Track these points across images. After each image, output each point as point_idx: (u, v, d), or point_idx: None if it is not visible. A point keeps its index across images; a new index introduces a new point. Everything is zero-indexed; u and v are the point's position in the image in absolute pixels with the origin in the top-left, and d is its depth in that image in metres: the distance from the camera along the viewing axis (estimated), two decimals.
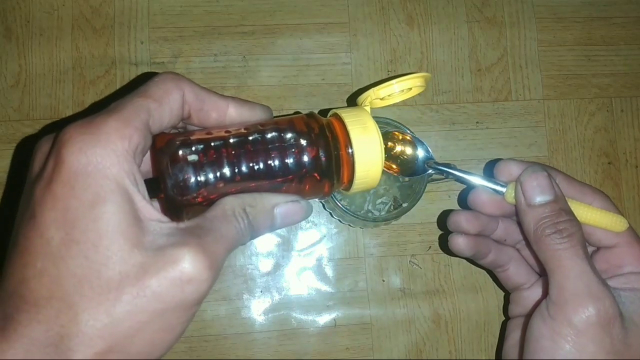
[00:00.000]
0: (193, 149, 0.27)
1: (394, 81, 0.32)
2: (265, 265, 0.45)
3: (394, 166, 0.39)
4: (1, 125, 0.45)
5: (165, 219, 0.25)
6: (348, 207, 0.40)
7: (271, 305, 0.45)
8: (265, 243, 0.45)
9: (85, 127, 0.24)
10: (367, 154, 0.29)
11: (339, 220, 0.45)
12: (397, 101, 0.34)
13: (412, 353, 0.45)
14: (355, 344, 0.45)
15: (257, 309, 0.45)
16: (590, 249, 0.34)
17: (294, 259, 0.45)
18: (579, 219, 0.32)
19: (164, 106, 0.26)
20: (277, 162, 0.28)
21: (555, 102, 0.48)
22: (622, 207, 0.48)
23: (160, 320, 0.23)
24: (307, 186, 0.29)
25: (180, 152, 0.27)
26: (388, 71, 0.48)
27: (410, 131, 0.40)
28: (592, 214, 0.33)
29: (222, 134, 0.28)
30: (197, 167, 0.26)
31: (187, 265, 0.23)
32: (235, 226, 0.26)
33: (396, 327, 0.45)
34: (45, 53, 0.46)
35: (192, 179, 0.26)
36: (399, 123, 0.40)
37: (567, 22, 0.49)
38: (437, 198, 0.47)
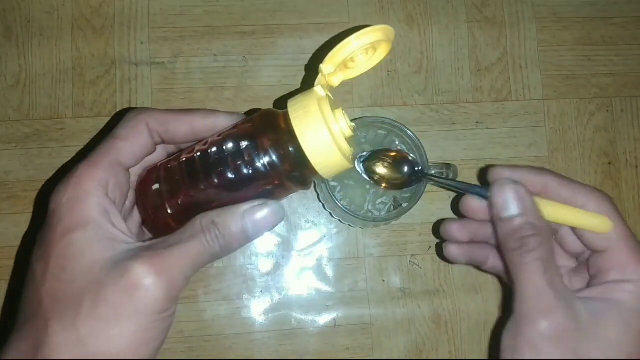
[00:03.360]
0: (155, 177, 0.30)
1: (349, 38, 0.28)
2: (265, 265, 0.45)
3: (383, 184, 0.39)
4: (1, 125, 0.45)
5: (131, 240, 0.28)
6: (348, 208, 0.40)
7: (271, 305, 0.45)
8: (265, 243, 0.45)
9: (66, 177, 0.29)
10: (313, 140, 0.28)
11: (339, 221, 0.45)
12: (363, 71, 0.31)
13: (412, 353, 0.45)
14: (355, 344, 0.45)
15: (257, 309, 0.45)
16: (587, 253, 0.34)
17: (294, 259, 0.45)
18: (559, 221, 0.32)
19: (131, 141, 0.30)
20: (231, 172, 0.28)
21: (555, 102, 0.48)
22: (622, 207, 0.48)
23: (119, 328, 0.26)
24: (276, 187, 0.29)
25: (145, 183, 0.31)
26: (388, 71, 0.48)
27: (411, 131, 0.40)
28: (572, 216, 0.32)
29: (181, 155, 0.31)
30: (158, 193, 0.30)
31: (134, 274, 0.26)
32: (202, 239, 0.28)
33: (396, 327, 0.45)
34: (45, 53, 0.46)
35: (155, 204, 0.30)
36: (399, 123, 0.40)
37: (567, 22, 0.49)
38: (437, 198, 0.47)
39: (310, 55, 0.47)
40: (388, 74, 0.48)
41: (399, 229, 0.46)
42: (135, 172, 0.32)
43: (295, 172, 0.29)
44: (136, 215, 0.33)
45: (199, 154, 0.29)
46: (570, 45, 0.49)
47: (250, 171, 0.28)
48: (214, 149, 0.29)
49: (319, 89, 0.29)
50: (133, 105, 0.46)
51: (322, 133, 0.28)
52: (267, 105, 0.46)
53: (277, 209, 0.29)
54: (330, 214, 0.45)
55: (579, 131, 0.48)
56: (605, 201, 0.33)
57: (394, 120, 0.40)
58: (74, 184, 0.28)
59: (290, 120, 0.28)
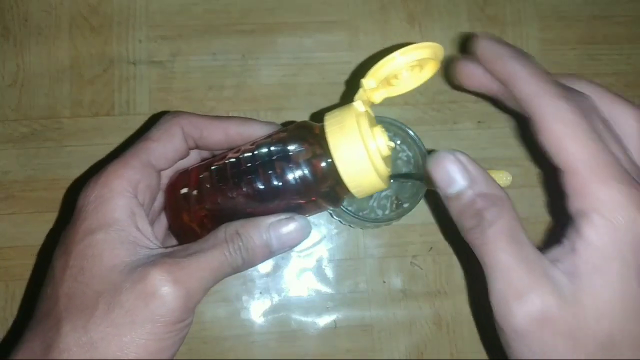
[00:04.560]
0: (184, 181, 0.30)
1: (394, 54, 0.26)
2: (264, 266, 0.45)
3: None
4: None
5: (153, 245, 0.28)
6: (348, 208, 0.39)
7: (271, 306, 0.44)
8: None
9: (96, 175, 0.28)
10: (347, 156, 0.26)
11: (339, 221, 0.44)
12: (407, 89, 0.29)
13: (413, 355, 0.45)
14: (356, 346, 0.44)
15: (257, 310, 0.44)
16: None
17: (294, 260, 0.45)
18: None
19: (164, 143, 0.30)
20: (261, 182, 0.28)
21: None
22: None
23: (132, 334, 0.25)
24: (306, 202, 0.29)
25: (174, 186, 0.31)
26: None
27: (413, 131, 0.40)
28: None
29: (212, 161, 0.30)
30: (185, 197, 0.30)
31: (151, 281, 0.25)
32: (224, 250, 0.27)
33: (397, 328, 0.45)
34: (43, 52, 0.46)
35: (182, 208, 0.30)
36: (400, 122, 0.40)
37: (569, 21, 0.49)
38: (439, 198, 0.46)
39: (310, 54, 0.47)
40: None
41: (400, 230, 0.46)
42: (167, 175, 0.32)
43: (326, 189, 0.28)
44: (164, 219, 0.33)
45: (230, 160, 0.29)
46: (572, 44, 0.49)
47: (280, 183, 0.28)
48: (246, 157, 0.29)
49: (358, 104, 0.28)
50: (131, 105, 0.45)
51: (358, 150, 0.26)
52: (267, 104, 0.46)
53: (304, 224, 0.28)
54: (331, 214, 0.44)
55: None
56: (569, 112, 0.25)
57: (395, 120, 0.40)
58: (103, 182, 0.28)
59: (325, 134, 0.27)
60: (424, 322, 0.45)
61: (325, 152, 0.27)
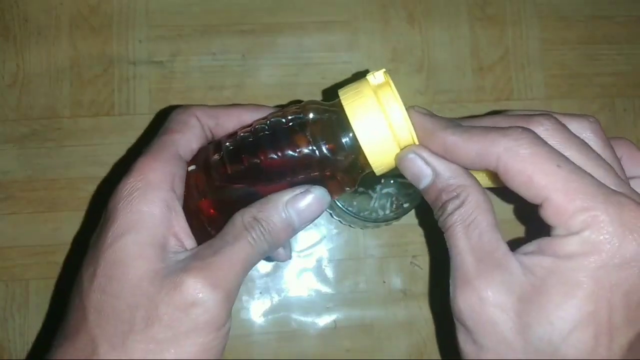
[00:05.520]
0: (194, 159, 0.29)
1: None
2: (264, 266, 0.45)
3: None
4: None
5: (180, 247, 0.26)
6: (349, 208, 0.39)
7: (271, 306, 0.44)
8: None
9: (126, 173, 0.27)
10: (368, 127, 0.26)
11: (339, 221, 0.44)
12: None
13: (413, 355, 0.44)
14: (356, 346, 0.44)
15: (257, 310, 0.44)
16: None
17: (294, 260, 0.45)
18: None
19: (186, 134, 0.29)
20: (274, 153, 0.27)
21: (558, 102, 0.48)
22: None
23: (177, 349, 0.24)
24: (322, 177, 0.27)
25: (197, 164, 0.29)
26: (389, 70, 0.47)
27: None
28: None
29: (220, 140, 0.29)
30: (196, 177, 0.28)
31: (188, 289, 0.24)
32: (247, 239, 0.26)
33: (397, 328, 0.45)
34: (42, 52, 0.46)
35: (192, 187, 0.28)
36: None
37: (570, 21, 0.49)
38: None
39: (310, 54, 0.47)
40: (389, 73, 0.47)
41: (400, 230, 0.46)
42: None
43: (344, 161, 0.27)
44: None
45: (242, 134, 0.28)
46: (572, 44, 0.49)
47: (295, 153, 0.26)
48: (257, 128, 0.28)
49: (371, 77, 0.27)
50: (131, 105, 0.45)
51: (377, 119, 0.26)
52: (267, 104, 0.46)
53: (321, 194, 0.27)
54: (331, 214, 0.44)
55: None
56: (521, 146, 0.23)
57: None
58: (136, 176, 0.26)
59: (342, 105, 0.26)
60: (424, 322, 0.45)
61: (344, 122, 0.26)
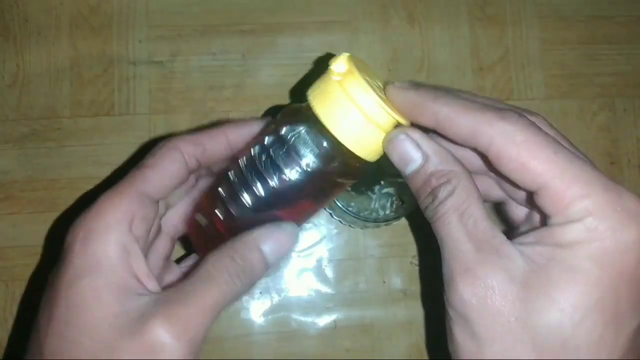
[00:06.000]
0: (197, 208, 0.30)
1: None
2: None
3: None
4: None
5: (144, 290, 0.25)
6: (349, 208, 0.39)
7: (271, 306, 0.44)
8: None
9: (86, 209, 0.25)
10: (342, 121, 0.25)
11: (339, 221, 0.44)
12: None
13: (413, 355, 0.44)
14: (356, 346, 0.44)
15: (257, 310, 0.44)
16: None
17: (294, 260, 0.45)
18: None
19: (160, 169, 0.27)
20: (267, 182, 0.26)
21: (558, 102, 0.48)
22: None
23: None
24: (322, 184, 0.27)
25: (192, 220, 0.30)
26: (389, 69, 0.47)
27: None
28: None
29: (215, 180, 0.30)
30: (206, 226, 0.29)
31: (150, 337, 0.23)
32: (219, 282, 0.25)
33: (397, 328, 0.45)
34: (42, 52, 0.45)
35: (206, 236, 0.29)
36: None
37: (570, 21, 0.49)
38: None
39: (310, 54, 0.47)
40: (389, 72, 0.47)
41: (400, 230, 0.46)
42: (181, 208, 0.30)
43: (337, 164, 0.26)
44: (160, 247, 0.30)
45: (231, 173, 0.28)
46: (572, 44, 0.49)
47: (288, 175, 0.26)
48: (246, 163, 0.27)
49: (334, 66, 0.26)
50: (131, 105, 0.45)
51: (348, 110, 0.25)
52: (267, 104, 0.46)
53: (291, 229, 0.27)
54: (331, 214, 0.44)
55: (582, 131, 0.48)
56: (516, 131, 0.23)
57: None
58: (93, 216, 0.25)
59: (313, 108, 0.26)
60: (424, 322, 0.45)
61: (321, 127, 0.26)
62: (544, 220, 0.23)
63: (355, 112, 0.25)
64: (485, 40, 0.48)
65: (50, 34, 0.46)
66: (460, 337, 0.23)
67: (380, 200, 0.42)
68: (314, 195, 0.28)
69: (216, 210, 0.28)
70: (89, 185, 0.44)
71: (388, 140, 0.25)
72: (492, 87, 0.48)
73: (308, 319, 0.44)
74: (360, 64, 0.26)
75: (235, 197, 0.27)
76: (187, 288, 0.25)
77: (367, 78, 0.26)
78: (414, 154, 0.25)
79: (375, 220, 0.40)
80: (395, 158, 0.25)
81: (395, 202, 0.41)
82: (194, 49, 0.46)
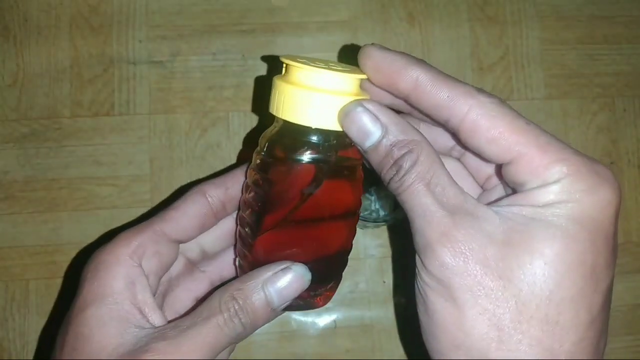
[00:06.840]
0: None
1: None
2: None
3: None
4: None
5: (146, 323, 0.25)
6: None
7: None
8: None
9: (106, 242, 0.27)
10: (313, 111, 0.25)
11: None
12: None
13: (413, 355, 0.44)
14: (356, 346, 0.44)
15: None
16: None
17: None
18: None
19: (179, 210, 0.29)
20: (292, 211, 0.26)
21: (558, 102, 0.48)
22: (624, 208, 0.47)
23: None
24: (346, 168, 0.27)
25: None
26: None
27: None
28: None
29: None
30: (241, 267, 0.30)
31: None
32: (219, 320, 0.25)
33: (397, 328, 0.45)
34: (42, 52, 0.45)
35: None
36: None
37: (570, 21, 0.49)
38: None
39: (310, 54, 0.47)
40: None
41: (400, 230, 0.46)
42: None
43: (332, 155, 0.26)
44: (193, 288, 0.31)
45: (248, 211, 0.28)
46: (572, 44, 0.49)
47: (307, 191, 0.26)
48: (250, 198, 0.28)
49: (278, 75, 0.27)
50: (131, 105, 0.45)
51: (300, 95, 0.25)
52: (266, 104, 0.46)
53: (302, 272, 0.26)
54: None
55: (582, 130, 0.48)
56: (493, 104, 0.23)
57: None
58: (107, 249, 0.27)
59: (284, 118, 0.26)
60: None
61: (289, 125, 0.26)
62: (514, 191, 0.24)
63: (314, 95, 0.25)
64: (485, 40, 0.48)
65: (50, 34, 0.46)
66: (439, 305, 0.23)
67: (380, 200, 0.42)
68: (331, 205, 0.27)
69: (244, 249, 0.29)
70: (88, 185, 0.44)
71: (344, 114, 0.25)
72: (492, 87, 0.48)
73: (308, 319, 0.44)
74: (302, 58, 0.27)
75: (254, 233, 0.27)
76: (186, 323, 0.25)
77: (311, 63, 0.26)
78: (372, 126, 0.24)
79: (375, 221, 0.40)
80: (353, 132, 0.25)
81: (395, 202, 0.41)
82: (194, 49, 0.46)
